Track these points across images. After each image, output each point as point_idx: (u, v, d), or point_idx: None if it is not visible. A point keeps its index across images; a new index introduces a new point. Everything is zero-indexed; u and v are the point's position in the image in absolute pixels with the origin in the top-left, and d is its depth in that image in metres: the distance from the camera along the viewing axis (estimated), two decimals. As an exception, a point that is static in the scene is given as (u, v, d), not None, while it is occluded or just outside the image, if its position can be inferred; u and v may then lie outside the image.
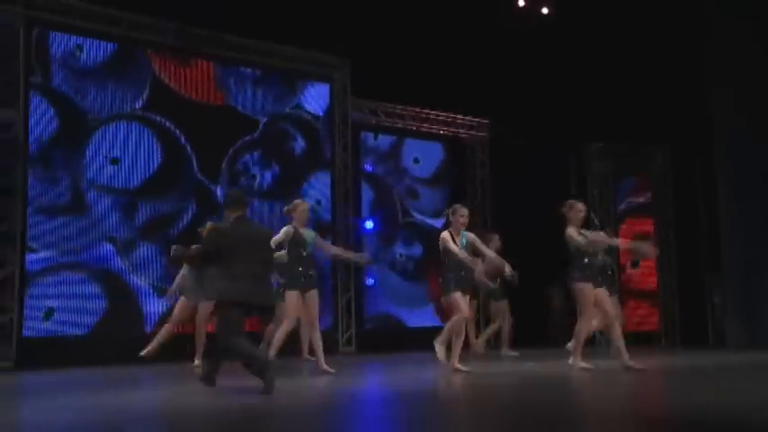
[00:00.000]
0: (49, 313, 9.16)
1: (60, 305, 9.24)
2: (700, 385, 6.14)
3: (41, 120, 9.37)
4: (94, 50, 9.84)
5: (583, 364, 7.09)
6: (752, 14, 10.22)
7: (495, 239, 9.84)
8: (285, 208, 7.39)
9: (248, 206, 6.13)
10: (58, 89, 9.52)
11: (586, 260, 6.99)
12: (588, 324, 7.09)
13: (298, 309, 7.07)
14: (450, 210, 7.18)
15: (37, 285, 9.11)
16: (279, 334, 7.12)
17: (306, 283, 7.07)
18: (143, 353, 7.98)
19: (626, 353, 6.96)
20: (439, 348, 6.99)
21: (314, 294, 7.14)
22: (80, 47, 9.74)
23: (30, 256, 9.09)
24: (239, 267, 5.46)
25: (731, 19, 10.49)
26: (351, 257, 9.15)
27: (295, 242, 7.09)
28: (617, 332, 7.03)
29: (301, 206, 7.21)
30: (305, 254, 7.12)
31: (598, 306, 7.04)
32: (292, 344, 9.39)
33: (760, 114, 10.16)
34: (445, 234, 7.07)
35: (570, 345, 7.38)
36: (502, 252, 9.92)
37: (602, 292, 7.05)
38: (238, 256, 5.49)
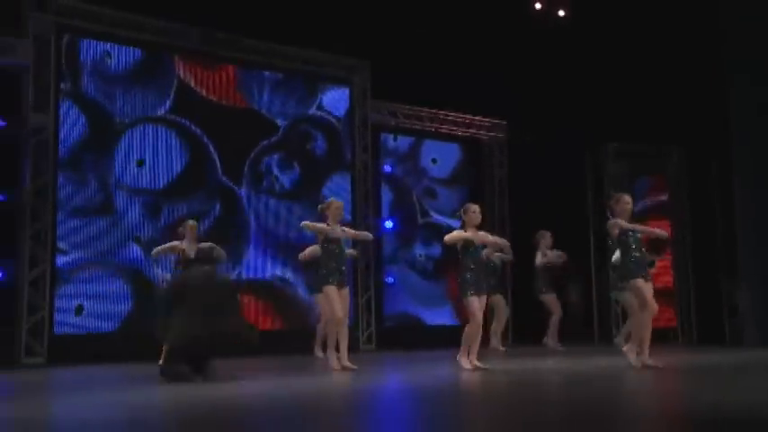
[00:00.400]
0: (78, 310, 9.44)
1: (89, 303, 9.50)
2: (716, 383, 6.19)
3: (71, 124, 9.64)
4: (122, 56, 10.10)
5: (650, 362, 6.87)
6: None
7: (547, 237, 10.41)
8: (319, 206, 7.55)
9: (218, 262, 7.08)
10: (87, 94, 9.78)
11: (635, 255, 6.89)
12: (644, 317, 6.90)
13: (339, 302, 7.23)
14: (462, 209, 7.30)
15: (67, 284, 9.39)
16: (336, 336, 7.29)
17: (341, 278, 7.28)
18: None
19: (646, 351, 6.91)
20: (463, 360, 7.13)
21: (347, 292, 7.37)
22: (109, 53, 10.00)
23: (60, 257, 9.36)
24: (190, 313, 6.21)
25: (749, 19, 10.54)
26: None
27: (329, 240, 7.28)
28: (647, 323, 6.90)
29: (335, 204, 7.41)
30: (338, 251, 7.32)
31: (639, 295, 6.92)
32: (306, 341, 9.66)
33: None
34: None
35: (626, 347, 7.13)
36: (553, 247, 10.41)
37: (649, 285, 6.97)
38: (191, 302, 6.21)
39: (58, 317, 9.29)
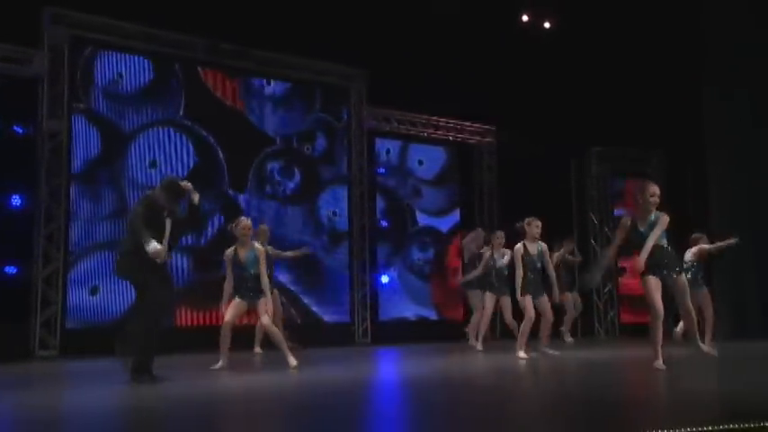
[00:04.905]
0: (94, 290, 9.93)
1: (98, 301, 9.95)
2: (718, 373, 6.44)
3: (83, 132, 10.13)
4: (132, 66, 10.58)
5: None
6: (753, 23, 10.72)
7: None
8: (229, 226, 7.60)
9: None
10: (98, 104, 10.27)
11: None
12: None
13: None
14: (526, 222, 8.01)
15: (77, 283, 9.87)
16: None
17: None
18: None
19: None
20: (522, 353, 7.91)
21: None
22: (121, 74, 10.49)
23: (71, 255, 9.85)
24: None
25: (728, 27, 11.00)
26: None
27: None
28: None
29: (243, 223, 7.39)
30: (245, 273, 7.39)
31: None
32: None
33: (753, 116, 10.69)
34: (518, 246, 8.04)
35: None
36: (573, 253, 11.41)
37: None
38: None
39: (69, 311, 9.72)
